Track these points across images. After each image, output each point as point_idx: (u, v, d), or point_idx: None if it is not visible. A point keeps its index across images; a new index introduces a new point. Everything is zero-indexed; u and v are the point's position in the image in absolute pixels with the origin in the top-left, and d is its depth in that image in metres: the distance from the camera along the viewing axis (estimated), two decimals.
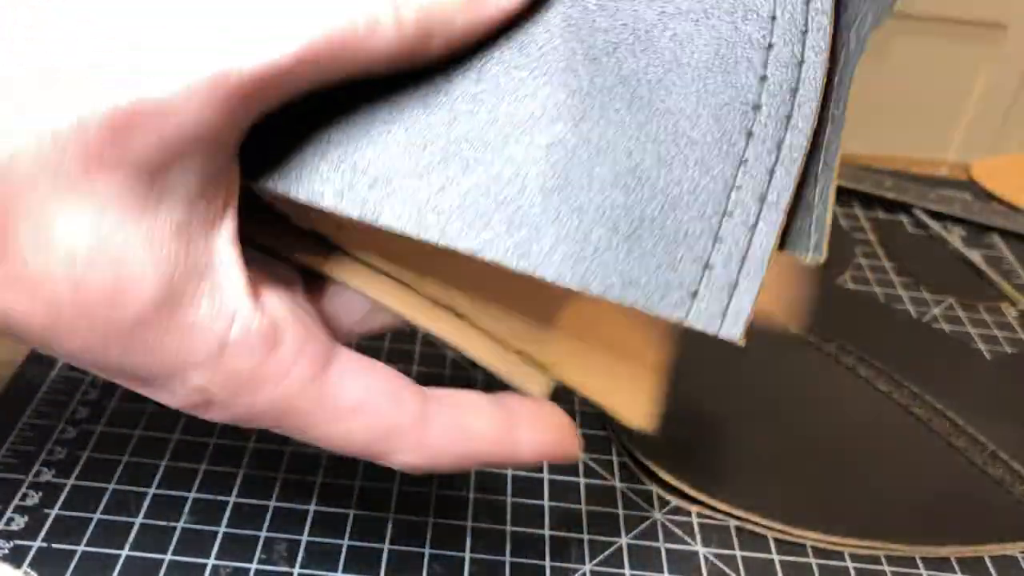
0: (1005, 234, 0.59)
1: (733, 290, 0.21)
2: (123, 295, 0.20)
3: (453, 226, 0.21)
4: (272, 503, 0.35)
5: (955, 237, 0.57)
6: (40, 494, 0.34)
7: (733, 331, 0.21)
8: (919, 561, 0.36)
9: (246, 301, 0.21)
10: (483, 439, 0.25)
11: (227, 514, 0.34)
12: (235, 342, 0.21)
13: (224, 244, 0.21)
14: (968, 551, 0.36)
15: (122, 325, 0.20)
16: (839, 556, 0.36)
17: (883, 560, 0.36)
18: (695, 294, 0.21)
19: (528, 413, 0.25)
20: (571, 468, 0.38)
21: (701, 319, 0.21)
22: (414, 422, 0.24)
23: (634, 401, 0.27)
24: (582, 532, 0.35)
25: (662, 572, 0.34)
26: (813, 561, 0.35)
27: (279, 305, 0.22)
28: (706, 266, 0.21)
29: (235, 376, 0.21)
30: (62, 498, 0.34)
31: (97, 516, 0.33)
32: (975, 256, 0.56)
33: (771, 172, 0.21)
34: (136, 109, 0.18)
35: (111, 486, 0.35)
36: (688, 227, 0.21)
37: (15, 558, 0.32)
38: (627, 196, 0.21)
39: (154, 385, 0.22)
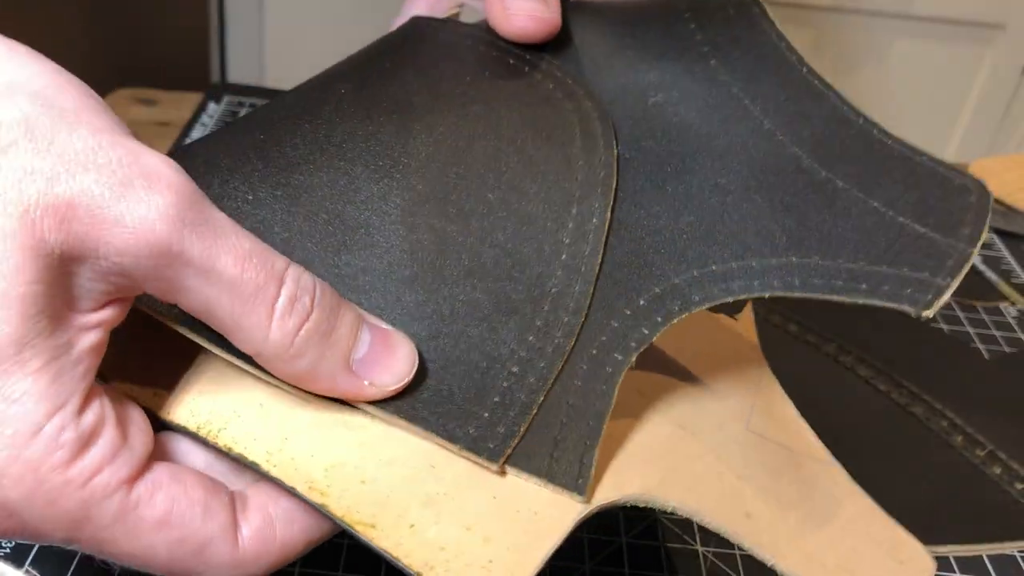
0: (1003, 234, 0.59)
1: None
2: None
3: None
4: None
5: None
6: None
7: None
8: None
9: (76, 400, 0.21)
10: (297, 544, 0.24)
11: None
12: (46, 434, 0.21)
13: (86, 342, 0.22)
14: (966, 550, 0.36)
15: None
16: None
17: None
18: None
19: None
20: None
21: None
22: (224, 532, 0.23)
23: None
24: (582, 531, 0.35)
25: (662, 571, 0.34)
26: None
27: (105, 409, 0.22)
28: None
29: (33, 470, 0.21)
30: None
31: None
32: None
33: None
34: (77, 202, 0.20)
35: None
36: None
37: (16, 557, 0.32)
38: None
39: None
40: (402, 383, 0.25)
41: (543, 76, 0.32)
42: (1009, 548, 0.37)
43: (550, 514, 0.25)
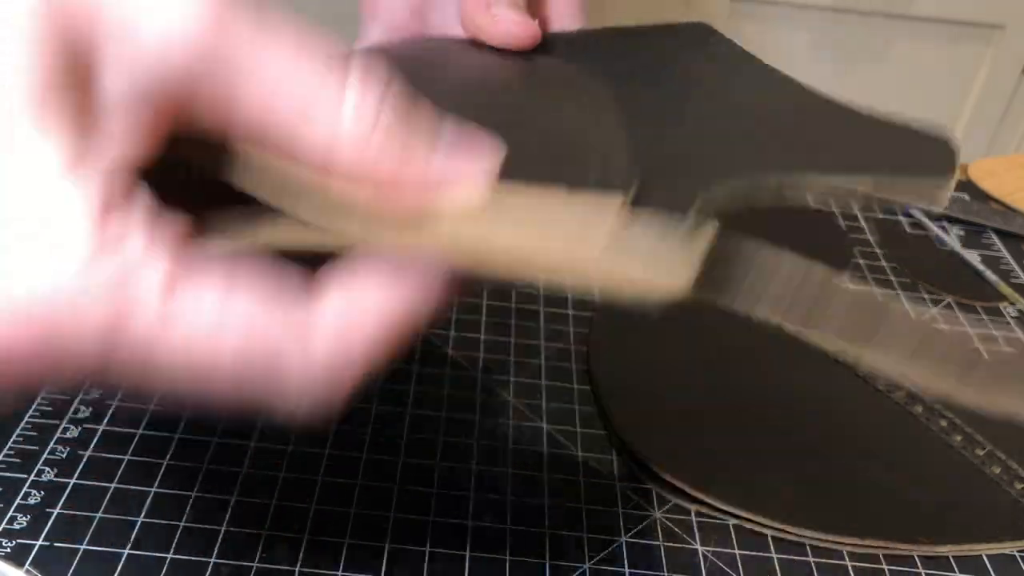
0: (1003, 234, 0.59)
1: None
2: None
3: None
4: (273, 502, 0.35)
5: (953, 237, 0.58)
6: (42, 493, 0.34)
7: None
8: (917, 560, 0.36)
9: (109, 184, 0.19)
10: (376, 346, 0.20)
11: (228, 513, 0.34)
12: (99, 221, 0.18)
13: (115, 153, 0.19)
14: (966, 550, 0.36)
15: None
16: (837, 555, 0.36)
17: (881, 559, 0.36)
18: None
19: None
20: (571, 467, 0.38)
21: None
22: (296, 335, 0.19)
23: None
24: (581, 531, 0.35)
25: (661, 571, 0.34)
26: (811, 560, 0.35)
27: (141, 198, 0.19)
28: None
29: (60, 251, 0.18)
30: (64, 497, 0.34)
31: (99, 515, 0.34)
32: (973, 256, 0.56)
33: None
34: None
35: (113, 485, 0.35)
36: None
37: (17, 557, 0.32)
38: None
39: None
40: (492, 164, 0.21)
41: (536, 63, 0.32)
42: (1009, 548, 0.37)
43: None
